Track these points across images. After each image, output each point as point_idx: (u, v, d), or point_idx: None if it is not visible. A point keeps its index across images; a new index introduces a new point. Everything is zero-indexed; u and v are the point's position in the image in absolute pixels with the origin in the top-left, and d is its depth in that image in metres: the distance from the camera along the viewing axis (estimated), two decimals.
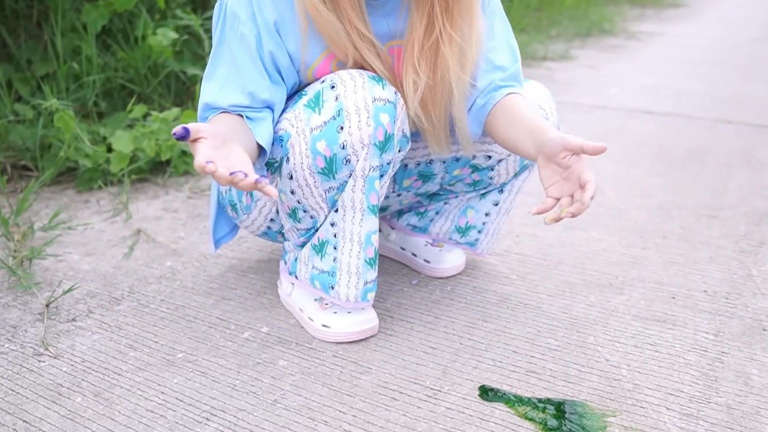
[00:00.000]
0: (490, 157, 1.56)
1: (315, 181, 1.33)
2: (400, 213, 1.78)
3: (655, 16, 7.38)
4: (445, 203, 1.72)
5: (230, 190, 1.56)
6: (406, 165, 1.59)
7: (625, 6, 7.81)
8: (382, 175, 1.36)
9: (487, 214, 1.69)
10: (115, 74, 2.76)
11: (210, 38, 2.91)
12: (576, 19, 6.15)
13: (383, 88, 1.32)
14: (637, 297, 1.68)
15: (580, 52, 5.02)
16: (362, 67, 1.37)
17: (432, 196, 1.72)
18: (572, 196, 1.20)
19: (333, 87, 1.31)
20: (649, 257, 1.89)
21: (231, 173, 1.05)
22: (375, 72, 1.37)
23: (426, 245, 1.77)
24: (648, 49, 5.35)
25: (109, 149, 2.45)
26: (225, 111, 1.33)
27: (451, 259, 1.76)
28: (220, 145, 1.10)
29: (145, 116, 2.63)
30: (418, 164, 1.59)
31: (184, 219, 2.15)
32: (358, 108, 1.29)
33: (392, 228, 1.83)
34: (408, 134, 1.41)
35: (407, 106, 1.39)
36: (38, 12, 2.87)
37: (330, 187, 1.34)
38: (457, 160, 1.57)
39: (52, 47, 2.69)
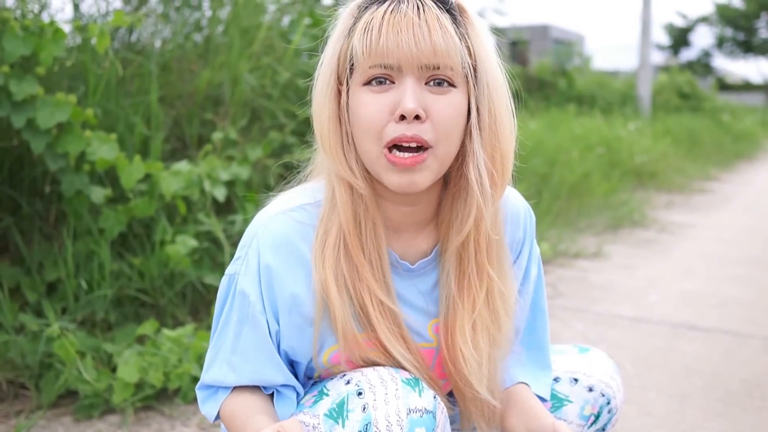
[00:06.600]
0: None
1: None
2: None
3: (684, 203, 7.27)
4: None
5: None
6: None
7: (652, 192, 7.73)
8: None
9: None
10: (128, 283, 2.60)
11: (232, 246, 2.77)
12: (605, 208, 6.03)
13: (420, 394, 1.11)
14: None
15: (613, 249, 4.85)
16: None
17: None
18: None
19: (360, 394, 1.10)
20: None
21: None
22: (399, 360, 1.17)
23: None
24: (682, 244, 5.18)
25: (114, 368, 2.26)
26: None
27: None
28: None
29: (157, 331, 2.45)
30: None
31: None
32: (390, 423, 1.07)
33: None
34: None
35: (478, 392, 1.20)
36: (56, 212, 2.77)
37: None
38: None
39: (62, 253, 2.55)
